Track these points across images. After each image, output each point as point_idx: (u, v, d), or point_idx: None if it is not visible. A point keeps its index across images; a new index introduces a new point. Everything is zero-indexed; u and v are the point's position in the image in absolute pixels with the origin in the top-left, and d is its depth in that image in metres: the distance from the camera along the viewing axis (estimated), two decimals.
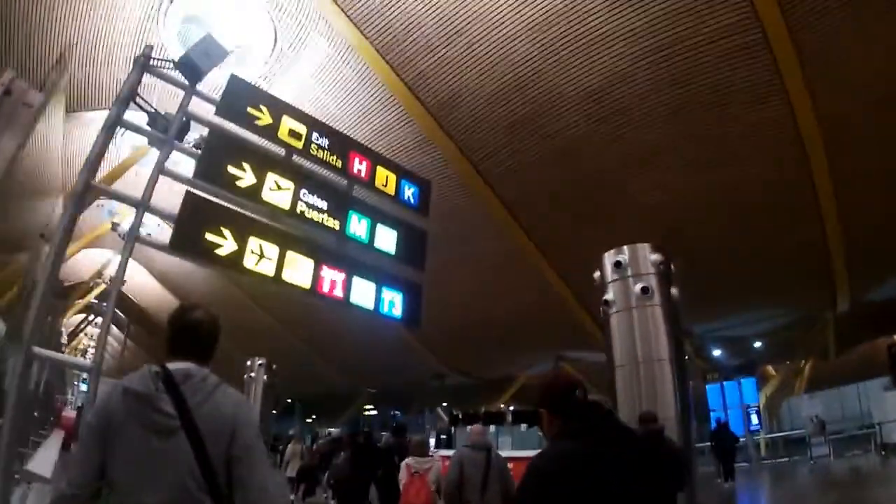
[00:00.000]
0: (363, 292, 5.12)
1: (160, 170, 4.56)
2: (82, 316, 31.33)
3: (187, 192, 4.47)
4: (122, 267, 4.25)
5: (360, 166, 5.69)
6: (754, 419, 22.59)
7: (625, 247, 10.19)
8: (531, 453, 4.92)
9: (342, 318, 23.17)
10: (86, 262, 26.04)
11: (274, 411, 34.05)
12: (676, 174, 13.69)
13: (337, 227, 5.14)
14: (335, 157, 5.52)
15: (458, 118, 13.39)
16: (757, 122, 12.04)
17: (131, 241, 4.31)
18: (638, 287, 9.62)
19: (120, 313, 30.07)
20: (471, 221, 16.43)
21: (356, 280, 5.08)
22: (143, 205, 4.44)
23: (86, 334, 32.20)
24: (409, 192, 6.12)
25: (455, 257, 18.12)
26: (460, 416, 27.23)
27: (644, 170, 13.74)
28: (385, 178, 5.91)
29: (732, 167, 13.20)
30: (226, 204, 4.64)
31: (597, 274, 10.47)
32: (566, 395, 1.99)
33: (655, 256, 9.93)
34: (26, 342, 3.52)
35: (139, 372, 1.90)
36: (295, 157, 5.22)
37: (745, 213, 14.40)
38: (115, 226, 22.40)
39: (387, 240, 5.55)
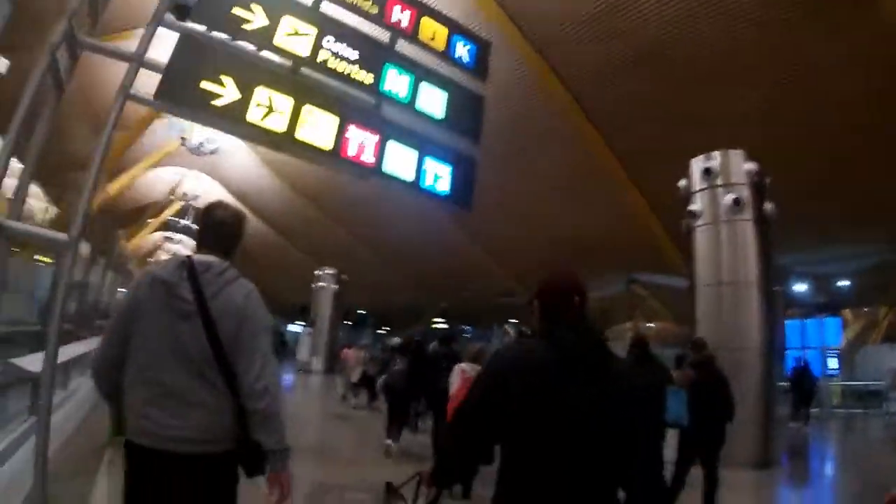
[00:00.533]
0: (401, 161, 4.19)
1: (159, 21, 3.73)
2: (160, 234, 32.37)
3: (181, 36, 3.64)
4: (114, 121, 3.50)
5: (400, 15, 4.65)
6: (832, 363, 20.84)
7: (716, 152, 9.35)
8: None
9: (416, 231, 22.76)
10: (159, 181, 26.52)
11: (347, 322, 35.05)
12: (771, 86, 11.73)
13: (370, 82, 4.19)
14: (370, 3, 4.50)
15: (534, 13, 11.95)
16: (865, 32, 9.96)
17: (121, 97, 3.55)
18: (729, 198, 8.86)
19: (197, 228, 30.91)
20: (545, 128, 15.09)
21: (392, 146, 4.15)
22: (136, 59, 3.64)
23: (164, 250, 33.41)
24: (462, 50, 5.04)
25: (527, 167, 16.91)
26: (529, 333, 26.58)
27: (734, 79, 11.91)
28: (432, 33, 4.85)
29: (835, 83, 11.07)
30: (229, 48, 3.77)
31: (682, 182, 9.68)
32: (563, 294, 1.85)
33: (750, 165, 9.06)
34: None
35: (170, 261, 2.10)
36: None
37: (845, 137, 12.16)
38: (183, 141, 22.52)
39: (433, 102, 4.55)
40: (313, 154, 3.87)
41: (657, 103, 13.07)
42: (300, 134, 3.75)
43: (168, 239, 31.84)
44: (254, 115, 3.61)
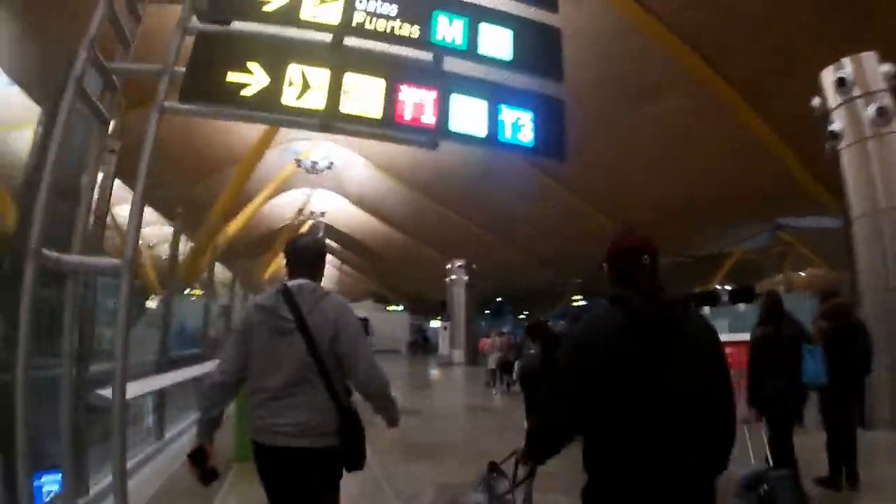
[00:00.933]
0: (469, 115, 3.56)
1: (185, 30, 3.46)
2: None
3: (199, 33, 3.34)
4: (153, 136, 3.28)
5: None
6: None
7: (845, 59, 8.08)
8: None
9: (537, 208, 22.00)
10: (286, 204, 27.99)
11: (487, 311, 34.91)
12: None
13: (417, 35, 3.62)
14: None
15: None
16: None
17: (157, 111, 3.31)
18: (871, 109, 7.71)
19: (332, 242, 32.38)
20: (657, 77, 13.68)
21: (456, 99, 3.54)
22: (167, 71, 3.39)
23: None
24: None
25: (645, 121, 15.53)
26: None
27: None
28: None
29: None
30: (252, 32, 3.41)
31: (815, 100, 8.52)
32: (631, 255, 1.83)
33: (887, 67, 7.85)
34: (34, 243, 2.72)
35: (269, 291, 2.53)
36: None
37: None
38: (299, 163, 23.51)
39: (498, 43, 3.87)
40: (363, 126, 3.39)
41: (769, 20, 11.30)
42: (344, 107, 3.27)
43: None
44: (288, 97, 3.20)
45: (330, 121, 3.28)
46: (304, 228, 29.59)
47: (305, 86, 3.24)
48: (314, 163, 23.00)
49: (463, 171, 19.50)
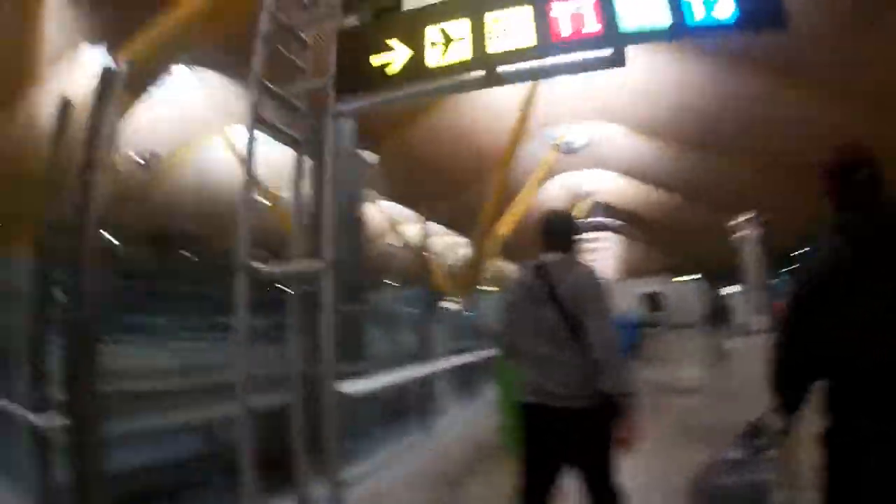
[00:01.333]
0: (642, 6, 2.84)
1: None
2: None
3: (339, 32, 3.38)
4: (331, 138, 3.42)
5: None
6: None
7: None
8: None
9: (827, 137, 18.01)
10: (556, 193, 27.92)
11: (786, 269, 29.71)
12: None
13: None
14: None
15: None
16: None
17: (331, 115, 3.45)
18: None
19: (609, 220, 31.39)
20: None
21: None
22: (331, 79, 3.52)
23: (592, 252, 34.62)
24: None
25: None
26: None
27: None
28: None
29: None
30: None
31: None
32: (844, 173, 1.61)
33: None
34: (242, 256, 3.03)
35: (527, 267, 2.81)
36: None
37: None
38: (557, 147, 23.36)
39: None
40: (518, 58, 3.01)
41: None
42: (492, 47, 2.94)
43: (591, 240, 32.96)
44: (432, 58, 3.03)
45: (481, 68, 3.00)
46: (580, 211, 29.14)
47: (448, 41, 3.01)
48: (569, 143, 22.61)
49: (729, 112, 16.99)
